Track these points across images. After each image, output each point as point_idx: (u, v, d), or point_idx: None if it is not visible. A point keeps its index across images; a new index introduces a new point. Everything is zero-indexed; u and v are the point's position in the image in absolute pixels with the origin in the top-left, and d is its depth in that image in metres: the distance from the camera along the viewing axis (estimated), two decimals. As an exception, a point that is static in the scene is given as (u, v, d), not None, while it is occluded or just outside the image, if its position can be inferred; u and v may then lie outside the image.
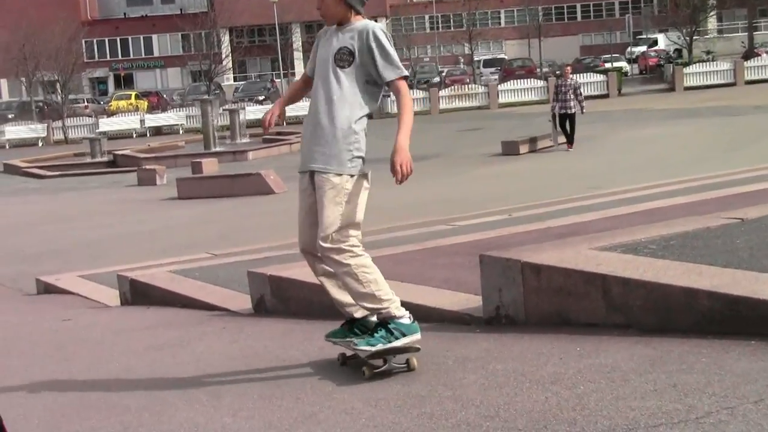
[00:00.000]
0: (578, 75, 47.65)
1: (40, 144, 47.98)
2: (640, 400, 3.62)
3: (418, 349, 4.57)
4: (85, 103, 63.94)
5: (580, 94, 24.01)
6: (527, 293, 5.00)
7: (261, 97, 55.22)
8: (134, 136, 47.98)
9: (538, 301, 4.97)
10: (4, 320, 8.45)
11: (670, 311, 4.41)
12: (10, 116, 54.10)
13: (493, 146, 25.37)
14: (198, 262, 10.04)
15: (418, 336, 4.53)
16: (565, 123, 23.92)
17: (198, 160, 27.19)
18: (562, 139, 24.34)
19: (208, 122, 32.59)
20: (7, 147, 47.34)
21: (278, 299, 6.69)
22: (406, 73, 4.59)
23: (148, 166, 27.76)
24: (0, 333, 7.15)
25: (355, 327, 4.74)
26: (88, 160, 34.82)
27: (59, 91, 54.51)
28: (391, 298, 4.53)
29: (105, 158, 34.58)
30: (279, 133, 35.23)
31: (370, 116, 4.64)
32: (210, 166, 26.40)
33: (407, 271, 6.65)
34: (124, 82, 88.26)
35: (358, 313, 4.70)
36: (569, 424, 3.49)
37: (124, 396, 4.87)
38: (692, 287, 4.34)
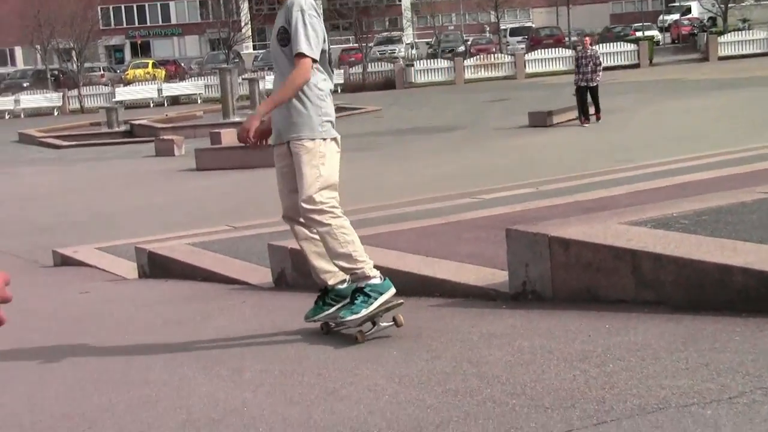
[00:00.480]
0: (609, 44, 47.08)
1: (56, 113, 47.89)
2: (671, 378, 3.57)
3: (401, 304, 4.80)
4: (102, 72, 63.41)
5: (599, 64, 23.69)
6: (555, 268, 4.94)
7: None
8: (151, 105, 47.89)
9: (565, 277, 4.91)
10: (20, 293, 8.43)
11: (702, 288, 4.34)
12: (25, 85, 53.95)
13: (520, 118, 25.04)
14: (217, 234, 9.99)
15: (393, 290, 4.76)
16: (586, 95, 23.58)
17: (217, 130, 26.98)
18: (575, 114, 23.97)
19: (227, 91, 32.40)
20: (22, 116, 47.40)
21: (299, 273, 6.62)
22: (302, 50, 4.68)
23: (165, 137, 27.56)
24: (17, 306, 7.10)
25: (327, 298, 4.91)
26: (105, 129, 34.65)
27: (75, 59, 54.16)
28: (366, 260, 4.75)
29: (122, 128, 34.37)
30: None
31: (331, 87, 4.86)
32: (229, 137, 26.18)
33: (431, 245, 6.60)
34: (141, 50, 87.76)
35: (332, 280, 4.90)
36: (598, 403, 3.45)
37: (143, 370, 4.84)
38: (726, 264, 4.27)
